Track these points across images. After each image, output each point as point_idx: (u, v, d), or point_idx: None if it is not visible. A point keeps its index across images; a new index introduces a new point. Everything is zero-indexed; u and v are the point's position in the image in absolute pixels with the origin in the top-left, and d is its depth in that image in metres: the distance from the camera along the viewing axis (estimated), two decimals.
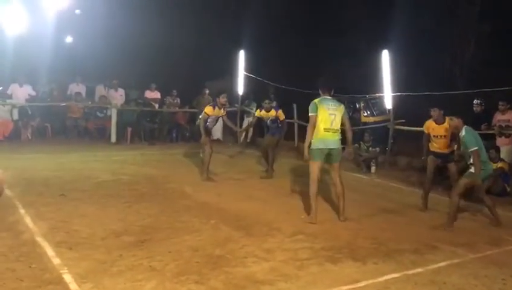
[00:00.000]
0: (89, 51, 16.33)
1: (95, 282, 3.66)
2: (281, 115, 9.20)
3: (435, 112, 6.72)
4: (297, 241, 4.96)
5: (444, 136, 6.71)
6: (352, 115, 14.95)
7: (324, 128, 5.77)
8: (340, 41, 16.39)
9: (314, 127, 5.79)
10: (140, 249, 4.48)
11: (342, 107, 5.94)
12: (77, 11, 17.43)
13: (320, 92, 6.03)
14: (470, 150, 5.76)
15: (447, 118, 6.61)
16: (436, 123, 6.75)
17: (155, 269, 4.01)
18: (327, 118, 5.78)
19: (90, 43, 16.56)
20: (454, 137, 6.54)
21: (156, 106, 14.11)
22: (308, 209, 5.96)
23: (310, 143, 5.81)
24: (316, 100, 5.91)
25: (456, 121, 6.11)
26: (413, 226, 5.85)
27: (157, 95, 14.34)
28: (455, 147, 6.62)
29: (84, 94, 13.85)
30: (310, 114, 5.83)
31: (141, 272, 3.93)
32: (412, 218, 6.28)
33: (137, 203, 6.30)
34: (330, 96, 6.00)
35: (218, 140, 13.38)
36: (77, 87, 13.82)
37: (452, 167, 6.83)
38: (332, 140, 5.82)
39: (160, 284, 3.70)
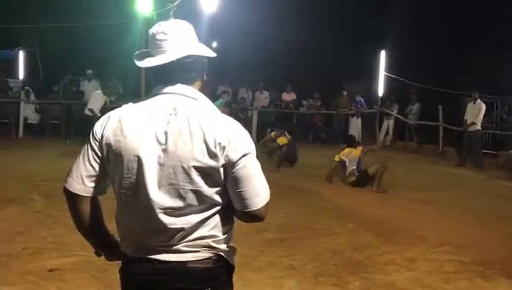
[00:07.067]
0: (231, 55, 17.23)
1: (238, 275, 3.80)
2: None
3: None
4: (442, 252, 4.65)
5: None
6: (506, 118, 13.62)
7: None
8: (487, 37, 14.89)
9: None
10: (280, 247, 4.60)
11: None
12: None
13: None
14: None
15: None
16: None
17: (294, 268, 4.08)
18: None
19: (232, 48, 17.45)
20: None
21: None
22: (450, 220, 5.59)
23: None
24: None
25: None
26: None
27: (292, 96, 14.64)
28: None
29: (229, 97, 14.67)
30: None
31: (281, 269, 4.04)
32: None
33: (274, 202, 6.43)
34: None
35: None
36: (225, 90, 14.68)
37: None
38: None
39: (300, 283, 3.76)
